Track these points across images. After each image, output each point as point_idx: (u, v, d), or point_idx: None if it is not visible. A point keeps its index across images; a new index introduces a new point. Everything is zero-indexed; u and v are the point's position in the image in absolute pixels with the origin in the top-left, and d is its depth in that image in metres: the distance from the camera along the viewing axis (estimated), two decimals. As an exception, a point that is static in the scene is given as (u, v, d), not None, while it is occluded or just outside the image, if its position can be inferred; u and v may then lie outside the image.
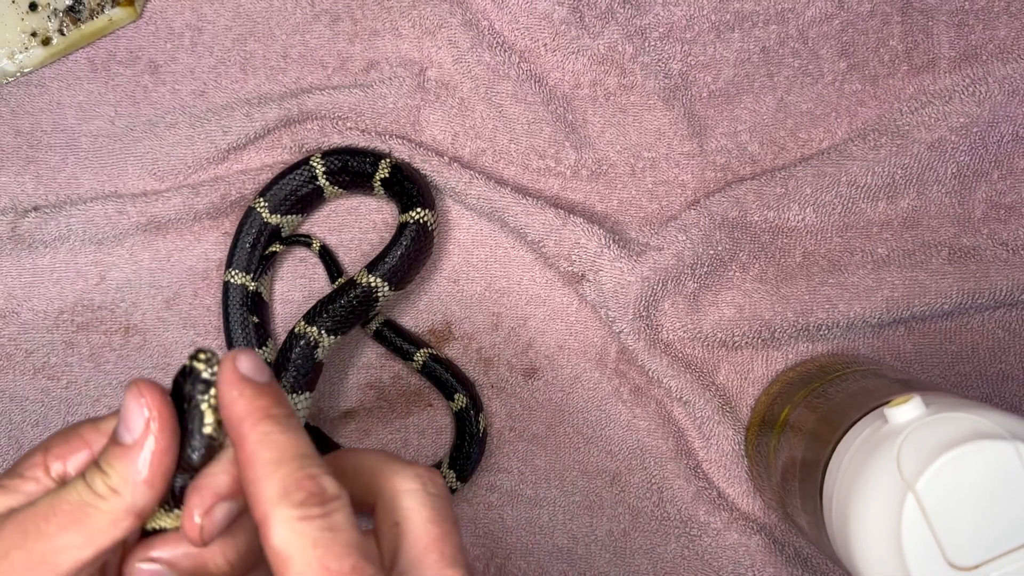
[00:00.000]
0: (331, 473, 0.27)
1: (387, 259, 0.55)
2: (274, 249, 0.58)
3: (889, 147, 0.56)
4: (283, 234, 0.59)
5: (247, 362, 0.28)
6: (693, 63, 0.58)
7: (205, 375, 0.29)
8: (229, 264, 0.58)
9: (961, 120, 0.56)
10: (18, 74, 0.58)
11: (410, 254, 0.55)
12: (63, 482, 0.30)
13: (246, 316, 0.58)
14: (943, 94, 0.56)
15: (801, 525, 0.49)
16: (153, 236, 0.59)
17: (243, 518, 0.30)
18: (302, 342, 0.54)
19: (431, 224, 0.56)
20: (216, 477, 0.29)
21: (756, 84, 0.58)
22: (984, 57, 0.57)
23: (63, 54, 0.59)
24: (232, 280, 0.58)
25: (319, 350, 0.54)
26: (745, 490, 0.57)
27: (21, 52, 0.58)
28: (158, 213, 0.58)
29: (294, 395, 0.54)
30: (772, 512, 0.57)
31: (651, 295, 0.56)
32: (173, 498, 0.30)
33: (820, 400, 0.50)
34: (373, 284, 0.55)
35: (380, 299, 0.55)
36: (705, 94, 0.58)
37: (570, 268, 0.58)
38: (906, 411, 0.39)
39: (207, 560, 0.30)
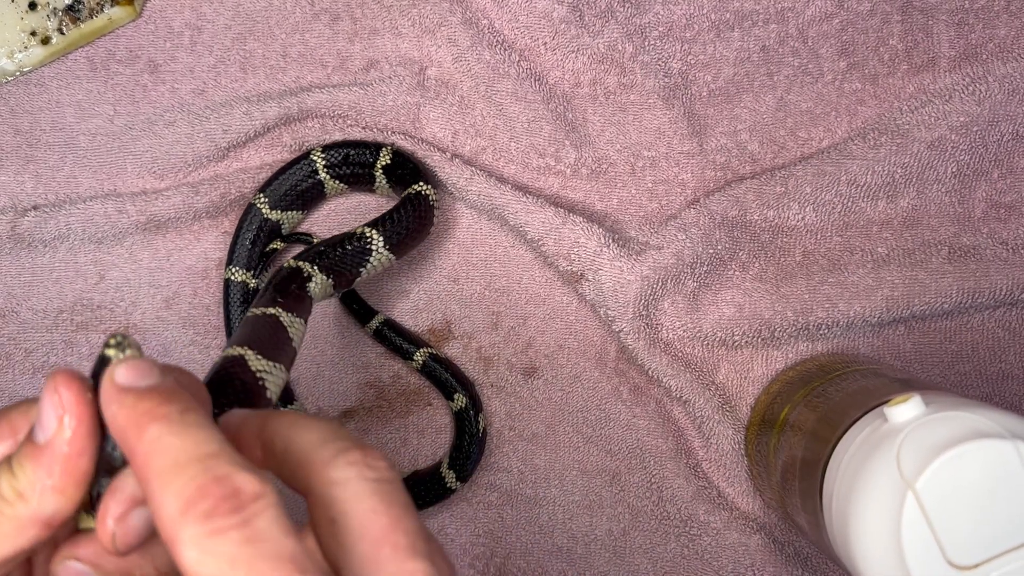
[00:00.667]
0: (249, 468, 0.23)
1: (387, 218, 0.54)
2: (275, 246, 0.58)
3: (889, 146, 0.56)
4: (283, 231, 0.59)
5: (125, 371, 0.25)
6: (693, 62, 0.58)
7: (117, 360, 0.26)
8: (229, 261, 0.58)
9: (961, 119, 0.56)
10: (17, 73, 0.58)
11: (410, 219, 0.55)
12: None
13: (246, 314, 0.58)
14: (943, 93, 0.56)
15: (801, 525, 0.49)
16: (152, 235, 0.59)
17: None
18: (294, 271, 0.50)
19: (432, 198, 0.56)
20: (133, 479, 0.25)
21: (756, 83, 0.58)
22: (984, 56, 0.57)
23: (62, 53, 0.59)
24: (232, 278, 0.57)
25: (312, 283, 0.51)
26: (745, 490, 0.57)
27: (20, 51, 0.58)
28: (157, 212, 0.58)
29: (290, 315, 0.47)
30: (772, 512, 0.57)
31: (651, 294, 0.56)
32: (97, 501, 0.26)
33: (820, 399, 0.50)
34: (368, 235, 0.54)
35: (373, 252, 0.53)
36: (705, 93, 0.58)
37: (569, 267, 0.58)
38: (906, 410, 0.39)
39: (132, 566, 0.27)
